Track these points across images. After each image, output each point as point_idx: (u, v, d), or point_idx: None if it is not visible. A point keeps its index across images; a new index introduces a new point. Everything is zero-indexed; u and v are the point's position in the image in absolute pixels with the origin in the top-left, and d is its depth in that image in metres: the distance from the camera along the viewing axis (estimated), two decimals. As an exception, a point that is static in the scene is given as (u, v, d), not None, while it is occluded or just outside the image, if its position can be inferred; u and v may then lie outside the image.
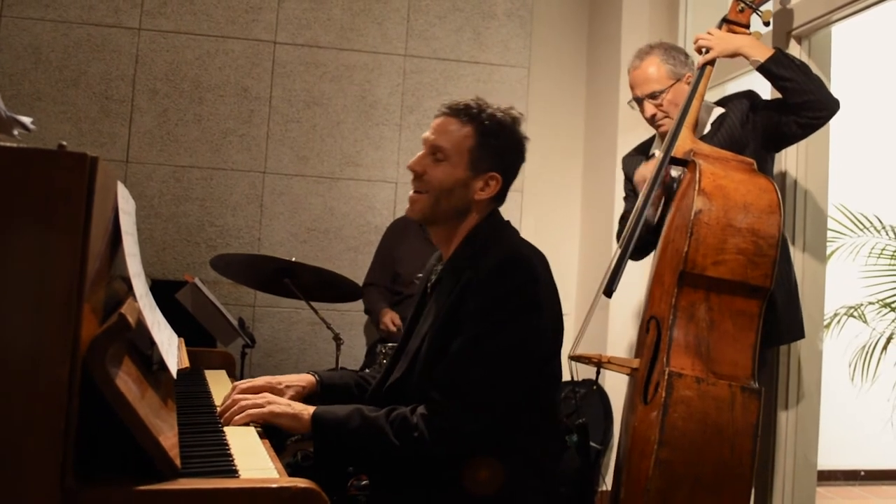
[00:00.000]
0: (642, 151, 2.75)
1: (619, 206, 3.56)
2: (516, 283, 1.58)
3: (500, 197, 1.77)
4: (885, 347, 3.58)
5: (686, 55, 2.60)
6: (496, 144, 1.72)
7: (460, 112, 1.72)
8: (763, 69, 2.33)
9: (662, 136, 2.58)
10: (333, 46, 3.96)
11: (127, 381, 1.16)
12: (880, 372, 3.59)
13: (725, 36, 2.44)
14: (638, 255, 2.59)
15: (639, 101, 2.56)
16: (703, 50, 2.45)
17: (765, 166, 2.37)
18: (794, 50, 2.62)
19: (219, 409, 1.63)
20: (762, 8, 2.46)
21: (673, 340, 2.13)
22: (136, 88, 3.78)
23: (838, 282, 3.27)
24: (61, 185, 1.07)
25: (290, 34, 3.92)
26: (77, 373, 1.06)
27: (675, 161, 2.35)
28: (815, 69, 2.62)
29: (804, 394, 2.56)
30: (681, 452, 2.04)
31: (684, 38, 3.63)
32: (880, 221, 3.65)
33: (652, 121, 2.56)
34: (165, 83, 3.81)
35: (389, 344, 2.78)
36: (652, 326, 2.26)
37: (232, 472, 1.25)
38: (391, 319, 3.27)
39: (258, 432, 1.53)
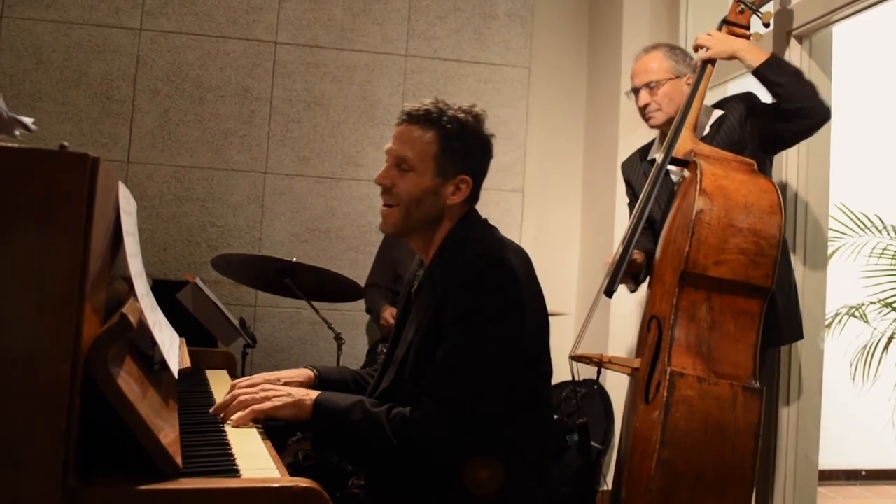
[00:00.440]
0: (642, 155, 2.75)
1: (620, 207, 3.56)
2: (495, 283, 1.56)
3: (474, 197, 1.73)
4: (886, 347, 3.58)
5: (690, 57, 2.60)
6: (461, 146, 1.67)
7: (420, 118, 1.67)
8: (757, 74, 2.34)
9: (662, 133, 2.58)
10: (334, 47, 3.96)
11: (128, 381, 1.17)
12: (881, 372, 3.58)
13: (724, 38, 2.44)
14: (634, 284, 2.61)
15: (636, 90, 2.58)
16: (703, 49, 2.45)
17: (763, 168, 2.38)
18: (795, 50, 2.62)
19: (217, 405, 1.61)
20: (762, 9, 2.46)
21: (674, 340, 2.13)
22: (137, 89, 3.79)
23: (839, 282, 3.27)
24: (63, 186, 1.07)
25: (290, 34, 3.93)
26: (79, 372, 1.06)
27: (676, 161, 2.35)
28: (815, 70, 2.63)
29: (805, 393, 2.56)
30: (682, 452, 2.04)
31: (685, 38, 3.63)
32: (881, 221, 3.65)
33: (643, 111, 2.56)
34: (166, 83, 3.81)
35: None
36: (653, 326, 2.26)
37: (233, 472, 1.25)
38: (391, 314, 3.28)
39: (259, 432, 1.52)
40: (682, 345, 2.13)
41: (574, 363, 2.46)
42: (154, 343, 1.40)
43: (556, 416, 2.03)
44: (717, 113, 2.53)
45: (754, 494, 2.49)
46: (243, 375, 2.82)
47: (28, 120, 1.32)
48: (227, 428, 1.53)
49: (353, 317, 3.82)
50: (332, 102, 3.95)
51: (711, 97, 2.70)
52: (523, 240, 4.09)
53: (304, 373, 1.83)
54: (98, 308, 1.18)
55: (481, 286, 1.55)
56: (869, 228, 3.63)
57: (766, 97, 2.46)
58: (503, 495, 1.55)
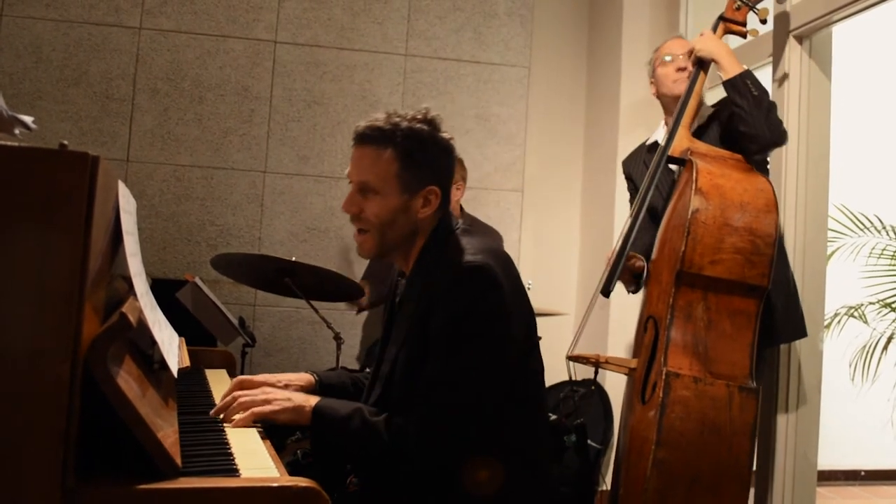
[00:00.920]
0: (641, 149, 2.75)
1: (620, 206, 3.57)
2: (478, 293, 1.53)
3: (445, 203, 1.69)
4: (885, 347, 3.58)
5: None
6: (422, 158, 1.62)
7: (374, 137, 1.62)
8: (725, 86, 2.36)
9: (665, 123, 2.59)
10: (334, 46, 3.96)
11: (128, 380, 1.17)
12: (880, 372, 3.58)
13: (711, 39, 2.45)
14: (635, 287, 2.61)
15: (674, 57, 2.57)
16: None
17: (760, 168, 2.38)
18: (795, 50, 2.62)
19: (218, 406, 1.62)
20: (759, 6, 2.47)
21: (671, 340, 2.13)
22: (136, 87, 3.78)
23: (839, 282, 3.27)
24: (63, 185, 1.07)
25: (290, 34, 3.92)
26: (78, 372, 1.06)
27: (673, 160, 2.36)
28: (815, 70, 2.63)
29: (804, 394, 2.56)
30: (678, 452, 2.04)
31: (685, 37, 3.63)
32: (881, 221, 3.65)
33: (679, 73, 2.55)
34: (166, 82, 3.81)
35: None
36: (650, 326, 2.26)
37: (233, 472, 1.25)
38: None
39: (259, 432, 1.52)
40: (679, 345, 2.13)
41: (571, 363, 2.46)
42: (153, 342, 1.40)
43: (554, 417, 2.03)
44: (711, 111, 2.54)
45: (753, 495, 2.49)
46: (242, 374, 2.83)
47: (28, 119, 1.32)
48: (227, 427, 1.53)
49: (352, 316, 3.82)
50: (331, 102, 3.95)
51: (712, 97, 2.71)
52: (523, 240, 4.09)
53: (305, 377, 1.83)
54: (98, 307, 1.18)
55: (465, 296, 1.53)
56: (868, 229, 3.63)
57: None
58: (502, 495, 1.55)
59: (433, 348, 1.53)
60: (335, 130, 3.95)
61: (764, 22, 2.49)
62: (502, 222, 3.91)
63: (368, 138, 1.62)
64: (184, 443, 1.31)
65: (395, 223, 1.63)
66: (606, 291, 2.44)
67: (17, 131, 1.31)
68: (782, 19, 2.66)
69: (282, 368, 3.49)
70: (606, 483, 3.11)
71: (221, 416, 1.59)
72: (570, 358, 2.46)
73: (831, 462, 4.24)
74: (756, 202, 2.17)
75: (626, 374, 2.44)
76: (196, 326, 2.87)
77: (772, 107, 2.31)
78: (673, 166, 2.48)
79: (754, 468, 2.45)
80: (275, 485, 1.18)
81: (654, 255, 2.40)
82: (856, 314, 3.68)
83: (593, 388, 3.20)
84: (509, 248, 3.77)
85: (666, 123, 2.63)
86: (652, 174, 2.38)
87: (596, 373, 2.48)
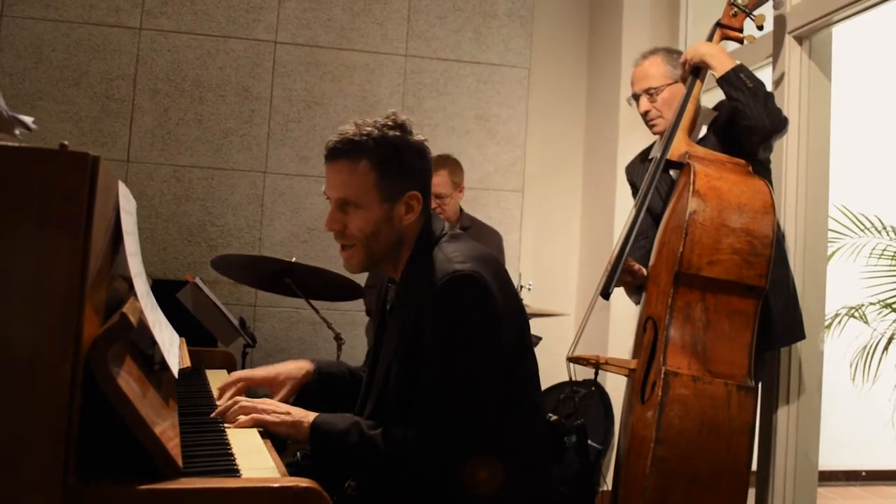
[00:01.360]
0: (644, 157, 2.76)
1: (620, 207, 3.57)
2: (468, 301, 1.52)
3: (427, 207, 1.67)
4: (885, 348, 3.58)
5: None
6: (398, 165, 1.59)
7: (347, 151, 1.59)
8: (720, 84, 2.34)
9: (659, 135, 2.59)
10: (334, 46, 3.96)
11: (129, 381, 1.17)
12: (881, 372, 3.58)
13: (698, 44, 2.46)
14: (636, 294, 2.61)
15: (636, 97, 2.58)
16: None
17: (758, 170, 2.38)
18: (795, 51, 2.62)
19: (219, 408, 1.62)
20: (756, 12, 2.47)
21: (669, 340, 2.14)
22: (136, 88, 3.79)
23: (839, 282, 3.27)
24: (63, 185, 1.07)
25: (290, 34, 3.93)
26: (79, 372, 1.06)
27: (671, 164, 2.36)
28: (815, 70, 2.63)
29: (805, 394, 2.56)
30: (677, 450, 2.04)
31: (685, 38, 3.64)
32: (881, 222, 3.65)
33: (645, 117, 2.57)
34: (166, 83, 3.81)
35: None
36: (649, 327, 2.27)
37: (233, 472, 1.25)
38: None
39: (259, 432, 1.53)
40: (678, 345, 2.14)
41: (572, 364, 2.46)
42: (154, 343, 1.40)
43: (555, 417, 2.02)
44: (714, 115, 2.54)
45: (754, 495, 2.49)
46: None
47: (28, 119, 1.32)
48: (227, 428, 1.53)
49: (352, 316, 3.82)
50: (331, 102, 3.95)
51: (712, 97, 2.70)
52: (523, 240, 4.09)
53: (303, 366, 1.83)
54: (98, 307, 1.18)
55: (456, 306, 1.52)
56: (869, 229, 3.63)
57: None
58: (502, 497, 1.55)
59: (427, 358, 1.53)
60: (335, 131, 3.94)
61: (761, 28, 2.50)
62: (502, 223, 3.91)
63: (341, 152, 1.60)
64: (184, 443, 1.31)
65: (379, 234, 1.61)
66: (606, 294, 2.44)
67: (17, 132, 1.31)
68: (781, 20, 2.66)
69: (282, 369, 3.49)
70: (607, 483, 3.11)
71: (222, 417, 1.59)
72: (571, 359, 2.46)
73: (832, 462, 4.24)
74: (753, 203, 2.17)
75: (626, 374, 2.44)
76: (196, 327, 2.87)
77: (769, 96, 2.30)
78: (672, 171, 2.48)
79: (754, 468, 2.45)
80: (276, 485, 1.18)
81: (652, 257, 2.40)
82: (856, 314, 3.68)
83: (594, 388, 3.20)
84: (509, 248, 3.78)
85: (660, 141, 2.64)
86: (649, 183, 2.39)
87: (596, 374, 2.48)
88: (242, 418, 1.56)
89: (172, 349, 1.51)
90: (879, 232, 3.62)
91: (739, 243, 2.13)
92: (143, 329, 1.33)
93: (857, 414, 4.13)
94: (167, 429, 1.24)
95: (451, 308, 1.52)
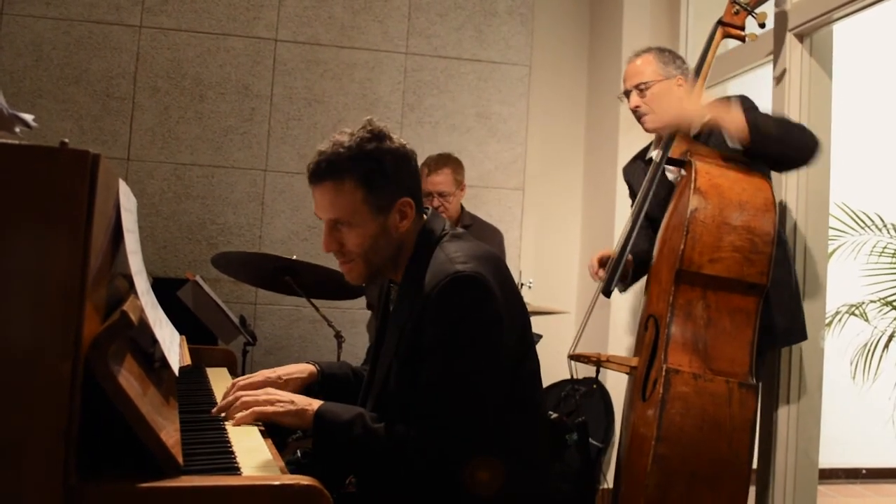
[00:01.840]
0: (641, 158, 2.76)
1: (620, 205, 3.56)
2: (470, 302, 1.52)
3: (420, 209, 1.66)
4: (886, 346, 3.57)
5: (682, 60, 2.61)
6: (383, 176, 1.58)
7: (329, 171, 1.56)
8: (747, 155, 2.24)
9: (658, 136, 2.59)
10: (334, 44, 3.96)
11: (129, 379, 1.17)
12: (882, 370, 3.58)
13: (681, 110, 2.38)
14: (623, 285, 2.60)
15: (627, 93, 2.59)
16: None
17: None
18: (795, 49, 2.62)
19: (220, 404, 1.62)
20: (757, 10, 2.47)
21: (671, 338, 2.14)
22: (137, 86, 3.78)
23: (840, 280, 3.27)
24: (63, 183, 1.07)
25: (291, 32, 3.92)
26: (79, 370, 1.06)
27: (673, 161, 2.36)
28: (815, 68, 2.62)
29: (805, 392, 2.56)
30: (678, 448, 2.05)
31: (685, 37, 3.63)
32: (882, 220, 3.64)
33: (635, 113, 2.57)
34: (166, 81, 3.81)
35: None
36: (650, 325, 2.27)
37: (234, 470, 1.25)
38: None
39: (260, 430, 1.53)
40: (679, 342, 2.14)
41: (573, 362, 2.46)
42: (154, 341, 1.40)
43: (556, 415, 2.03)
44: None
45: (754, 493, 2.49)
46: (243, 373, 2.83)
47: (28, 117, 1.32)
48: (228, 426, 1.53)
49: (353, 314, 3.82)
50: (332, 100, 3.95)
51: (712, 97, 2.70)
52: (523, 238, 4.09)
53: (306, 368, 1.83)
54: (98, 305, 1.18)
55: (458, 307, 1.51)
56: (869, 227, 3.62)
57: (760, 100, 2.44)
58: (503, 496, 1.55)
59: (429, 358, 1.53)
60: (336, 129, 3.86)
61: (762, 26, 2.49)
62: (503, 220, 3.91)
63: (324, 174, 1.58)
64: (185, 441, 1.31)
65: (377, 247, 1.61)
66: (607, 292, 2.44)
67: (17, 130, 1.31)
68: (782, 18, 2.66)
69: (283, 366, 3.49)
70: (608, 481, 3.12)
71: (223, 414, 1.59)
72: (572, 357, 2.46)
73: (832, 460, 4.24)
74: (754, 201, 2.17)
75: (627, 372, 2.44)
76: (197, 325, 2.87)
77: (793, 126, 2.29)
78: (671, 174, 2.48)
79: (755, 467, 2.45)
80: (276, 483, 1.18)
81: (654, 255, 2.40)
82: (857, 312, 3.67)
83: (595, 386, 3.20)
84: (510, 246, 3.78)
85: (656, 141, 2.63)
86: (648, 185, 2.39)
87: (597, 371, 2.49)
88: (242, 413, 1.55)
89: (173, 347, 1.51)
90: (880, 230, 3.62)
91: (740, 241, 2.13)
92: (144, 327, 1.33)
93: (858, 412, 4.13)
94: (168, 427, 1.24)
95: (453, 309, 1.52)
